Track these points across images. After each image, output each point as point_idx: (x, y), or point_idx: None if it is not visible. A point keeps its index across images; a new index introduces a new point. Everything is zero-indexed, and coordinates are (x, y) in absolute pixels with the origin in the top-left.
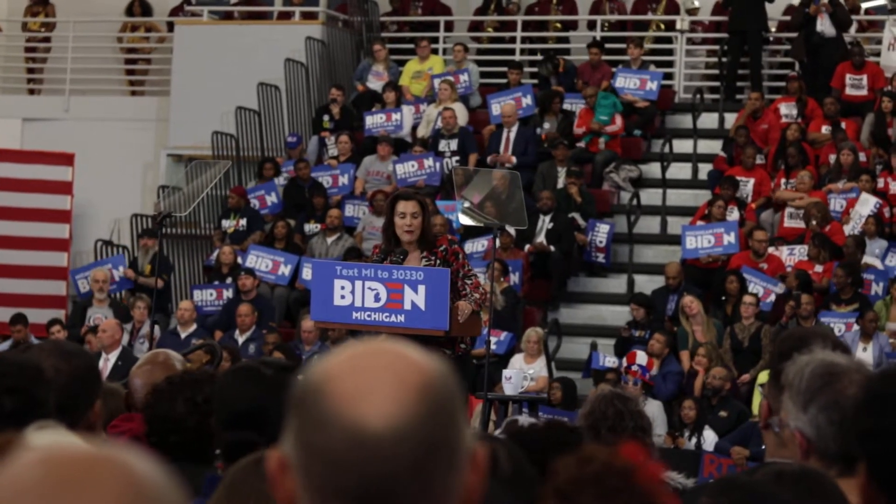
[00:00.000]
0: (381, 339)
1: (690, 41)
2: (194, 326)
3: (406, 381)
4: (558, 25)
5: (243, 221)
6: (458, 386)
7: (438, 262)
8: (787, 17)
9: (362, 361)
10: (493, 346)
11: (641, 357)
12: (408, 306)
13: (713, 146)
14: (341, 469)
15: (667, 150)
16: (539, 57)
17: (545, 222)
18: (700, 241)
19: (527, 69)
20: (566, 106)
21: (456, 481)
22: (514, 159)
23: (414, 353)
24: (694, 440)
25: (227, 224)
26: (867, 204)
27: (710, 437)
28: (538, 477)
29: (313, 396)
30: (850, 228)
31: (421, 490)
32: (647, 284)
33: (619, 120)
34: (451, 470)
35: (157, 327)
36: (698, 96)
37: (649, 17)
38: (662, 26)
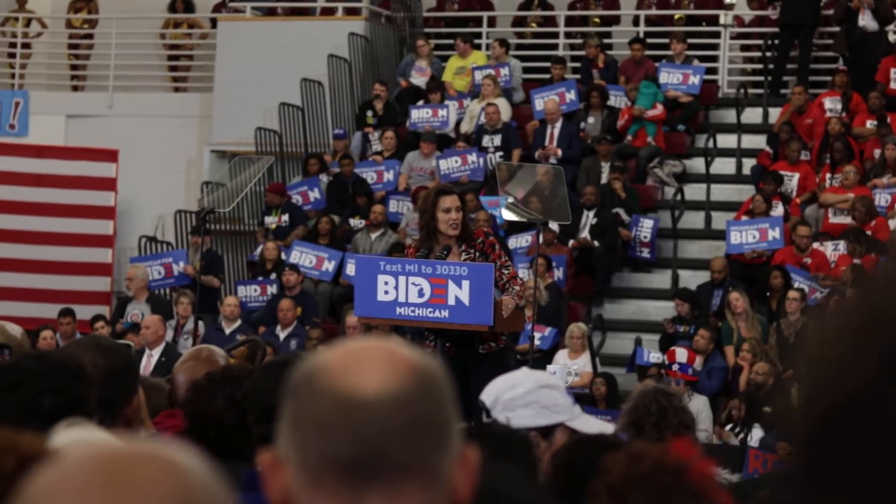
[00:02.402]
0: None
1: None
2: (239, 322)
3: (397, 361)
4: (597, 20)
5: (285, 217)
6: (449, 381)
7: (477, 254)
8: (830, 12)
9: (353, 351)
10: (537, 342)
11: (681, 354)
12: (452, 301)
13: (757, 141)
14: (334, 436)
15: (711, 145)
16: (582, 52)
17: (589, 217)
18: (745, 237)
19: (570, 64)
20: (611, 101)
21: (447, 463)
22: (559, 152)
23: (403, 346)
24: (741, 436)
25: (270, 220)
26: None
27: (756, 435)
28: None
29: (306, 380)
30: None
31: (413, 461)
32: (691, 280)
33: (660, 107)
34: (443, 451)
35: (201, 323)
36: (742, 91)
37: (691, 11)
38: (683, 18)
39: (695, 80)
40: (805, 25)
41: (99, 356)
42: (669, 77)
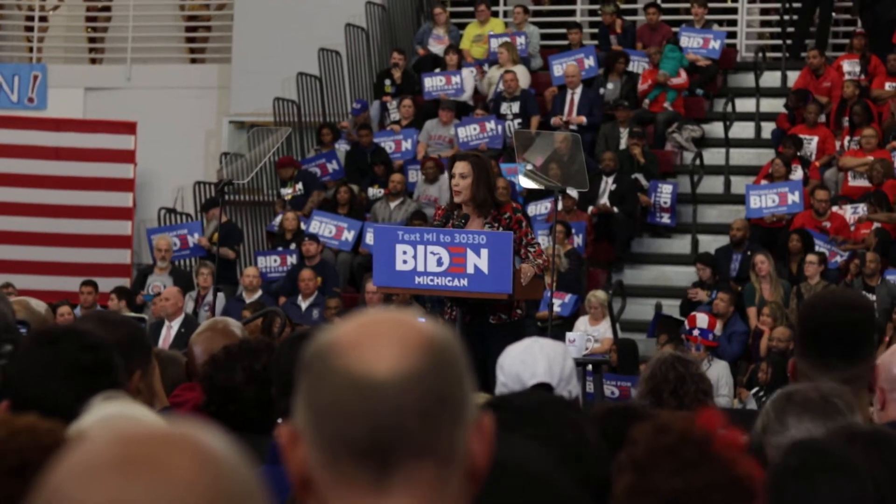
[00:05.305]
0: (389, 308)
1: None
2: (259, 293)
3: (410, 338)
4: None
5: (299, 185)
6: (463, 350)
7: (501, 228)
8: None
9: (367, 325)
10: (557, 309)
11: (702, 319)
12: (471, 270)
13: (776, 105)
14: (350, 419)
15: (729, 109)
16: (599, 18)
17: (608, 183)
18: (764, 201)
19: (587, 30)
20: (631, 67)
21: (462, 439)
22: (584, 120)
23: (416, 320)
24: (764, 400)
25: (286, 192)
26: None
27: None
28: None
29: (320, 357)
30: None
31: (428, 441)
32: (711, 244)
33: (684, 74)
34: (458, 426)
35: (220, 294)
36: (760, 55)
37: None
38: None
39: (715, 44)
40: None
41: (103, 329)
42: (690, 41)
